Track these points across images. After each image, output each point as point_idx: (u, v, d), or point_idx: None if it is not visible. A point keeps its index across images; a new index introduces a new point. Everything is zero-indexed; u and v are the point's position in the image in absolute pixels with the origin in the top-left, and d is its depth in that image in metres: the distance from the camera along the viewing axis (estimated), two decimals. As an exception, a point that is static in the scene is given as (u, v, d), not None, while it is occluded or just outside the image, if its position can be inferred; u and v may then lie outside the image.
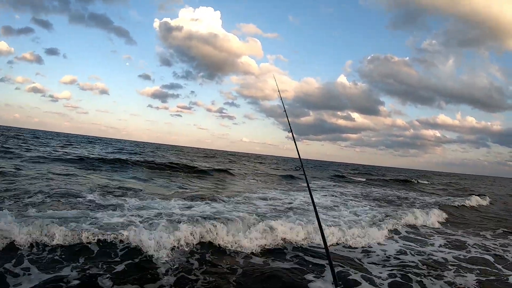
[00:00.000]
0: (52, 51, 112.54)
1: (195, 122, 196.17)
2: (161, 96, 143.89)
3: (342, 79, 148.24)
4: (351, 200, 12.88)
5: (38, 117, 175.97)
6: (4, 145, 20.27)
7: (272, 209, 8.96)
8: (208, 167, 20.72)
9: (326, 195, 13.73)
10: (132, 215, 6.24)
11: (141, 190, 10.15)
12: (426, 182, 31.93)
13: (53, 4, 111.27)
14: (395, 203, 13.27)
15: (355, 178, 27.79)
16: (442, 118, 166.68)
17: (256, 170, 26.45)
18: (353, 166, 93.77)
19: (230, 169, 21.57)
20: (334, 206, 10.58)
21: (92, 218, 5.63)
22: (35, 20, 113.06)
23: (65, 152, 21.28)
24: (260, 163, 42.81)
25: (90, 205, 7.01)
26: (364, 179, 27.62)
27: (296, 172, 23.71)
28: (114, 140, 78.84)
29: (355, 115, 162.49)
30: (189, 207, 7.68)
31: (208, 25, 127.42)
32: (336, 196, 13.72)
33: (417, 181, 31.11)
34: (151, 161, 20.16)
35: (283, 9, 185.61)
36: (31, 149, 20.25)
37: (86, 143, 40.95)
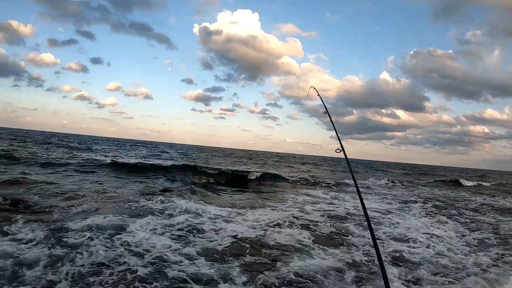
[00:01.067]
0: (96, 60, 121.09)
1: (239, 124, 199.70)
2: (204, 99, 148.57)
3: (385, 75, 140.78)
4: (422, 211, 10.82)
5: (85, 123, 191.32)
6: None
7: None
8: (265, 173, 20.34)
9: (389, 202, 12.64)
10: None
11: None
12: (488, 184, 27.69)
13: (95, 15, 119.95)
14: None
15: (404, 179, 25.72)
16: (490, 112, 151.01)
17: (313, 174, 25.58)
18: (399, 165, 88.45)
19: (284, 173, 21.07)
20: (399, 220, 8.83)
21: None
22: (79, 31, 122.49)
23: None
24: (306, 163, 41.75)
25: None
26: (421, 179, 25.44)
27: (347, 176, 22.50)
28: (164, 144, 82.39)
29: (399, 112, 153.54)
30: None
31: (247, 27, 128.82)
32: (400, 202, 12.52)
33: (479, 184, 27.17)
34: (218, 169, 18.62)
35: (321, 6, 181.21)
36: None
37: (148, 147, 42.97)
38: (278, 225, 7.24)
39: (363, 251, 5.69)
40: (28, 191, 8.31)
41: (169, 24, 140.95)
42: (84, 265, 4.12)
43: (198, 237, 5.77)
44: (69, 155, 18.83)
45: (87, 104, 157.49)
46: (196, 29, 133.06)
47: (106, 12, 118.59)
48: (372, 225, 2.17)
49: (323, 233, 6.80)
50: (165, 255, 4.70)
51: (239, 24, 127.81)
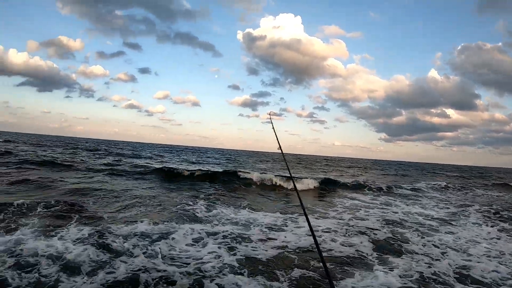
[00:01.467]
0: (144, 70, 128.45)
1: (286, 128, 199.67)
2: (251, 105, 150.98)
3: (433, 73, 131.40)
4: (482, 218, 9.50)
5: (135, 131, 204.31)
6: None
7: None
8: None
9: (444, 207, 11.29)
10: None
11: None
12: None
13: (140, 28, 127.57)
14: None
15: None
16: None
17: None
18: (451, 167, 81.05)
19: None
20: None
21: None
22: (126, 43, 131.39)
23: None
24: (355, 167, 39.76)
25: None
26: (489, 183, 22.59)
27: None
28: (212, 150, 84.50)
29: (450, 111, 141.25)
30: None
31: (290, 31, 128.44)
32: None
33: None
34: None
35: (363, 6, 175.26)
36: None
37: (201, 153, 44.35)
38: (332, 232, 6.69)
39: (425, 261, 5.07)
40: (81, 196, 8.64)
41: (213, 32, 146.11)
42: (123, 271, 3.94)
43: (243, 246, 5.39)
44: (120, 162, 19.81)
45: (137, 112, 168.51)
46: (239, 35, 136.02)
47: (151, 24, 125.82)
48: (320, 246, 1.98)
49: (381, 240, 6.19)
50: (206, 265, 4.38)
51: (282, 28, 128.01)
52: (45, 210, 6.70)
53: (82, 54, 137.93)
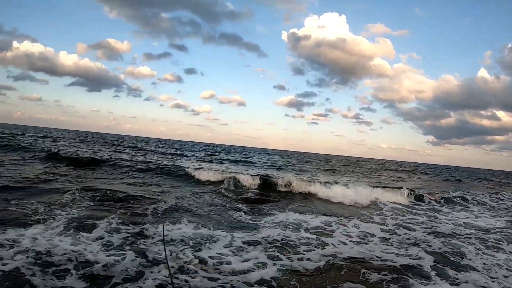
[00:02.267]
0: (190, 71, 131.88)
1: (332, 129, 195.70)
2: (297, 105, 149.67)
3: (483, 73, 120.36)
4: None
5: (182, 130, 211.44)
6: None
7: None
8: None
9: (503, 218, 10.32)
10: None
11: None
12: None
13: (186, 29, 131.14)
14: None
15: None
16: None
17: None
18: (502, 173, 73.74)
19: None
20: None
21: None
22: (172, 45, 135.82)
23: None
24: (401, 171, 37.69)
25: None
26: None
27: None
28: (257, 150, 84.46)
29: (500, 113, 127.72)
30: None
31: (335, 30, 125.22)
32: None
33: None
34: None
35: (409, 3, 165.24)
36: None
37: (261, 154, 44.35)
38: (382, 240, 6.31)
39: (488, 277, 4.68)
40: (124, 194, 8.56)
41: (257, 32, 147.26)
42: (155, 277, 3.85)
43: (290, 254, 5.13)
44: (167, 160, 20.26)
45: (183, 111, 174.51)
46: (284, 35, 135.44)
47: (196, 26, 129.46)
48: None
49: (436, 253, 5.71)
50: (244, 275, 4.13)
51: (327, 27, 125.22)
52: (89, 203, 7.06)
53: (130, 55, 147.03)
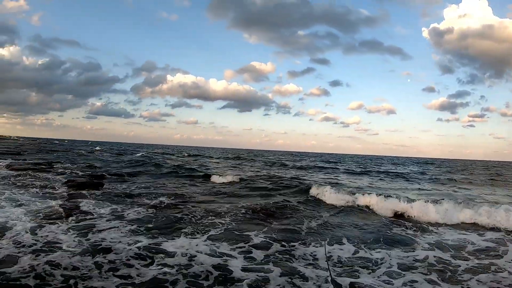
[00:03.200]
0: (335, 83, 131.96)
1: (490, 131, 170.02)
2: (449, 107, 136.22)
3: None
4: None
5: (332, 142, 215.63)
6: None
7: None
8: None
9: None
10: None
11: None
12: None
13: (325, 43, 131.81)
14: None
15: None
16: None
17: None
18: None
19: None
20: None
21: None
22: (313, 60, 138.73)
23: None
24: None
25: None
26: None
27: None
28: (411, 159, 79.48)
29: None
30: None
31: (479, 17, 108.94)
32: None
33: None
34: None
35: None
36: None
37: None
38: None
39: None
40: (280, 209, 8.74)
41: (397, 34, 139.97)
42: None
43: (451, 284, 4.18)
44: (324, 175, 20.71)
45: (332, 124, 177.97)
46: (425, 32, 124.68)
47: (334, 38, 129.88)
48: None
49: None
50: None
51: (469, 16, 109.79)
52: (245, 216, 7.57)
53: (275, 75, 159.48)
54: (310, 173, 23.00)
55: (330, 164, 36.13)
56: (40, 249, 4.70)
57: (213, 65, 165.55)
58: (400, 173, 25.41)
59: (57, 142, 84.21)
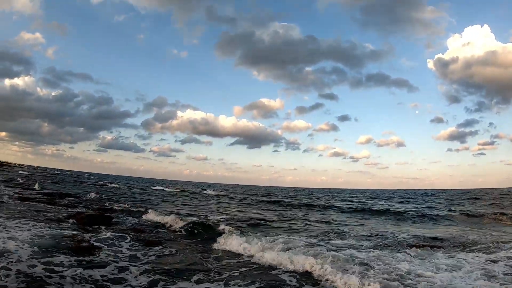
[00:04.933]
0: (343, 118, 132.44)
1: (501, 158, 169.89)
2: (459, 137, 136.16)
3: None
4: None
5: (342, 177, 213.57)
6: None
7: None
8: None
9: None
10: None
11: None
12: None
13: (332, 78, 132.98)
14: None
15: None
16: None
17: None
18: None
19: None
20: None
21: None
22: (321, 95, 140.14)
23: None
24: None
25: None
26: None
27: None
28: (420, 191, 77.09)
29: None
30: None
31: (482, 44, 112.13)
32: None
33: None
34: None
35: None
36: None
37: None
38: None
39: None
40: None
41: (402, 66, 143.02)
42: None
43: None
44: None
45: (342, 159, 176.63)
46: (430, 64, 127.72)
47: (341, 73, 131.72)
48: None
49: None
50: None
51: (472, 44, 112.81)
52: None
53: (283, 111, 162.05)
54: (283, 211, 19.89)
55: (329, 201, 32.86)
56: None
57: (222, 102, 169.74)
58: (395, 212, 19.63)
59: (68, 172, 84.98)
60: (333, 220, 15.10)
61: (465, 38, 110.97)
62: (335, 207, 22.68)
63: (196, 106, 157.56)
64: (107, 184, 41.84)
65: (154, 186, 46.27)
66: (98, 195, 20.68)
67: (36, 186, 23.94)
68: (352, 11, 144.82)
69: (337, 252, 7.20)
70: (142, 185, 48.92)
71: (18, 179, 32.19)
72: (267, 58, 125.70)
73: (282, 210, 20.14)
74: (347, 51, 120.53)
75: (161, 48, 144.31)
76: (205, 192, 39.47)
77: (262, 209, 20.15)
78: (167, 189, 41.69)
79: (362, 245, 8.81)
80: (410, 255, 7.54)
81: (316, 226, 12.70)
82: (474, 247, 8.74)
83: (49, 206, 13.56)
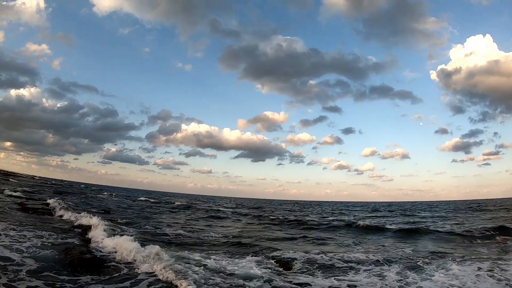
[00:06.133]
0: (347, 130, 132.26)
1: (507, 167, 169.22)
2: (463, 147, 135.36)
3: None
4: None
5: (346, 190, 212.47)
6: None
7: None
8: None
9: None
10: None
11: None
12: None
13: (336, 91, 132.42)
14: None
15: None
16: None
17: None
18: None
19: None
20: None
21: None
22: (325, 108, 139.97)
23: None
24: None
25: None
26: None
27: None
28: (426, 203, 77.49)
29: None
30: None
31: (484, 54, 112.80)
32: None
33: None
34: None
35: None
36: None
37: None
38: None
39: None
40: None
41: (406, 78, 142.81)
42: None
43: None
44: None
45: (346, 172, 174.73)
46: (433, 75, 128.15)
47: (345, 85, 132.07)
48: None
49: None
50: None
51: (475, 53, 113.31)
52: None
53: (288, 124, 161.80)
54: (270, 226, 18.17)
55: (328, 214, 31.34)
56: None
57: (226, 115, 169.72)
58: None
59: (74, 184, 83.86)
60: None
61: (468, 48, 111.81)
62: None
63: (201, 119, 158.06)
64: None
65: (138, 197, 45.96)
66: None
67: None
68: (355, 23, 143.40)
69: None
70: (134, 196, 48.46)
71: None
72: (270, 71, 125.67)
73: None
74: (350, 63, 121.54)
75: (166, 61, 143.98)
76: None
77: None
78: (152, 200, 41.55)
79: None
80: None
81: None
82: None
83: None
